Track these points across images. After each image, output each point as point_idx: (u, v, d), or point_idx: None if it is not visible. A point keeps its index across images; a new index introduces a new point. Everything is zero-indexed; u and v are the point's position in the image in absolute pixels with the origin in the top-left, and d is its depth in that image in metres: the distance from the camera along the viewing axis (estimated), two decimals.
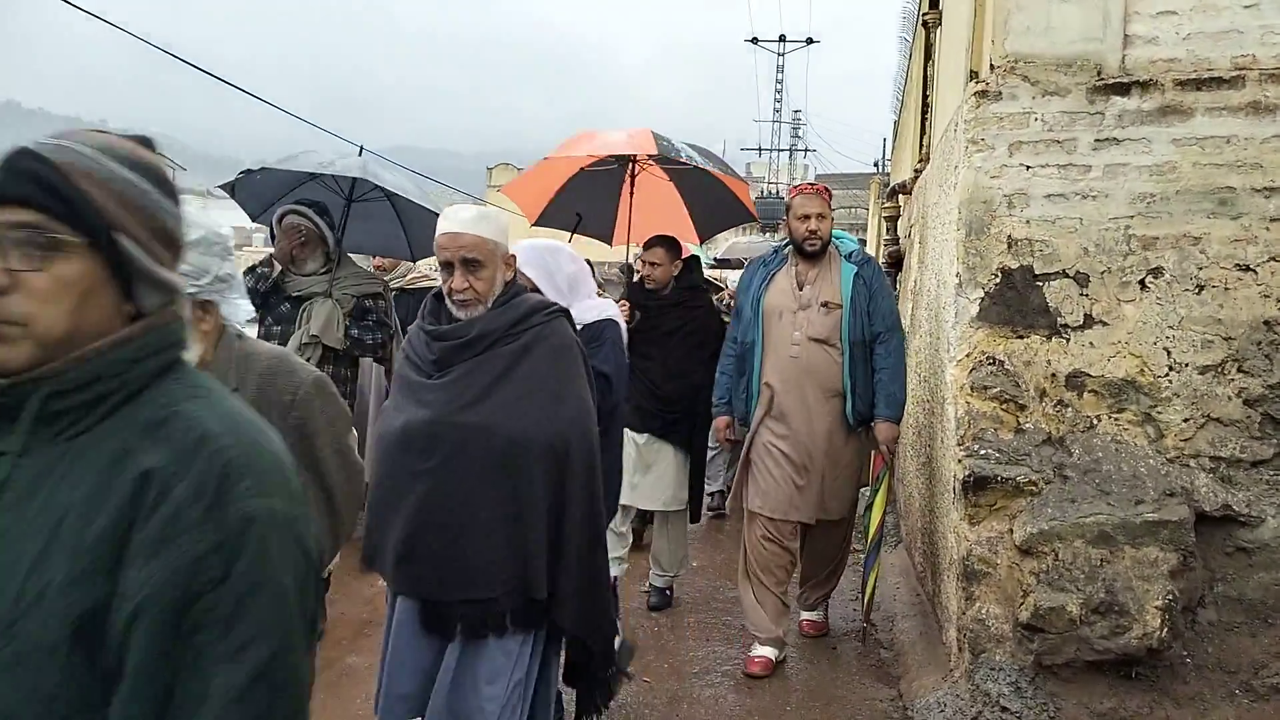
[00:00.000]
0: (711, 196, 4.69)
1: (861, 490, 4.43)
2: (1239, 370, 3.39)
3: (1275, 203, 3.40)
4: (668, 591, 4.80)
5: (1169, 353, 3.45)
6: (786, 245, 4.25)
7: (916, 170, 6.61)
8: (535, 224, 5.00)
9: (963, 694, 3.28)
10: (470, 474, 2.32)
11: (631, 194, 4.64)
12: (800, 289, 4.05)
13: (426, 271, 5.48)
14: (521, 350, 2.38)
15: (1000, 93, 3.60)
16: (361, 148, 5.04)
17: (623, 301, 4.33)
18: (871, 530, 4.19)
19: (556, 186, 4.90)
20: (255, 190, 4.73)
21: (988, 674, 3.29)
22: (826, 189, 4.23)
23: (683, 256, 4.79)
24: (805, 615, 4.49)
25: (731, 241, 10.48)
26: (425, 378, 2.42)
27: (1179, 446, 3.41)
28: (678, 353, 4.47)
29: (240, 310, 1.85)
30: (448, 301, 2.43)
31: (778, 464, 4.02)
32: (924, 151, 6.33)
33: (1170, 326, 3.46)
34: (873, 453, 4.16)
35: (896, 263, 7.54)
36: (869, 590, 4.22)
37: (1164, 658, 3.16)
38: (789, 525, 4.10)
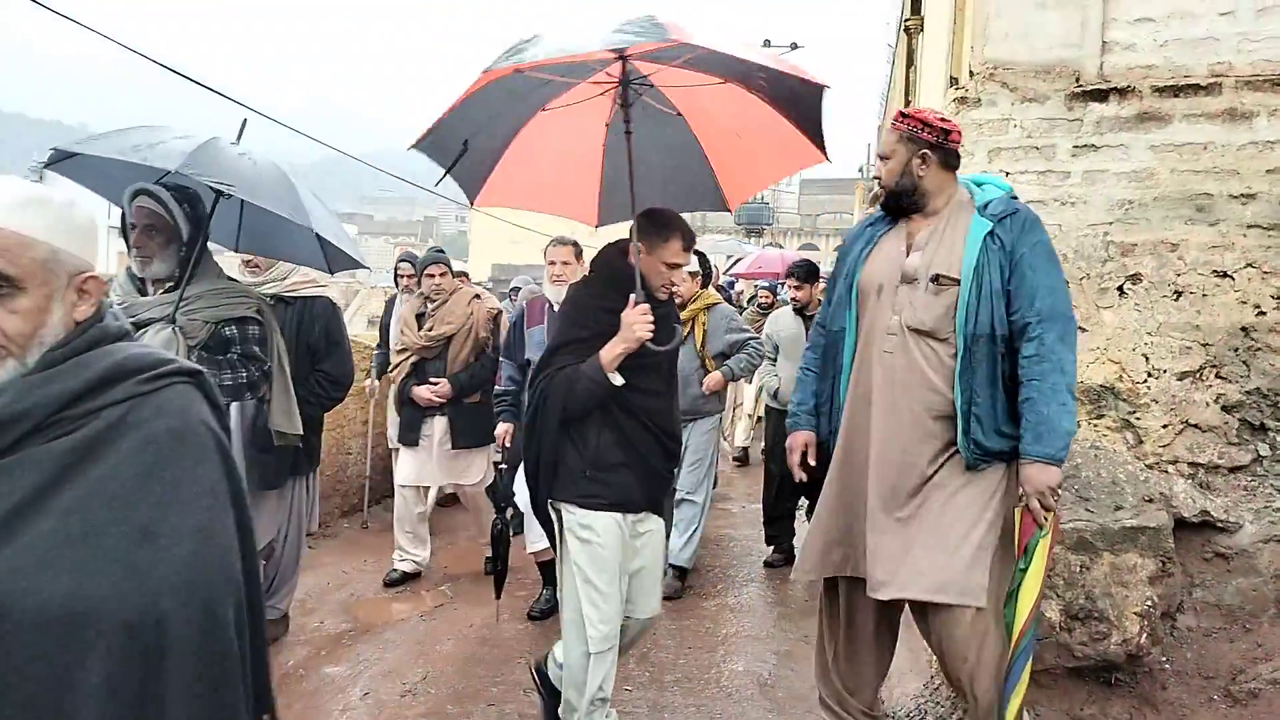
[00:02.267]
0: (784, 84, 2.79)
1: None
2: (1217, 376, 3.41)
3: (1252, 209, 3.42)
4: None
5: (1147, 359, 3.46)
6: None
7: None
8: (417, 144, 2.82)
9: (943, 700, 3.28)
10: None
11: (627, 125, 2.81)
12: (909, 254, 2.74)
13: (317, 275, 4.08)
14: (82, 450, 1.33)
15: (980, 99, 3.62)
16: (244, 122, 3.54)
17: (642, 306, 2.80)
18: (1018, 623, 2.55)
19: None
20: (102, 172, 3.35)
21: None
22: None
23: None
24: None
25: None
26: None
27: (1157, 452, 3.42)
28: (674, 381, 3.10)
29: None
30: None
31: (845, 511, 2.77)
32: None
33: (1149, 333, 3.47)
34: (1017, 511, 2.62)
35: None
36: (1013, 711, 2.57)
37: (1144, 664, 3.17)
38: (868, 602, 2.75)
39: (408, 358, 5.09)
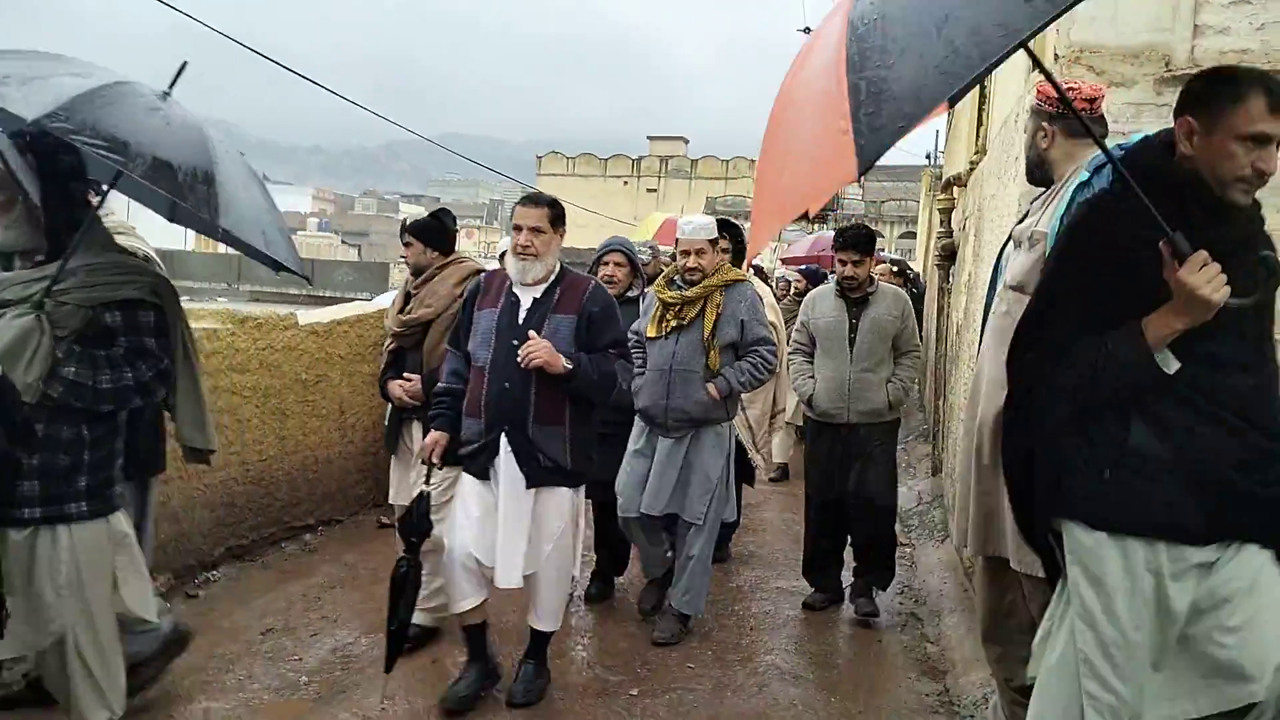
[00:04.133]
0: None
1: None
2: None
3: None
4: None
5: None
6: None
7: (972, 162, 6.52)
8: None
9: None
10: None
11: None
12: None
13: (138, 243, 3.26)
14: None
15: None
16: (183, 65, 2.62)
17: (1200, 255, 1.83)
18: None
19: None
20: None
21: None
22: None
23: None
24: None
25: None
26: None
27: None
28: (1268, 348, 2.16)
29: None
30: None
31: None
32: (980, 143, 6.25)
33: None
34: None
35: (950, 256, 7.46)
36: None
37: None
38: None
39: (389, 344, 4.02)
